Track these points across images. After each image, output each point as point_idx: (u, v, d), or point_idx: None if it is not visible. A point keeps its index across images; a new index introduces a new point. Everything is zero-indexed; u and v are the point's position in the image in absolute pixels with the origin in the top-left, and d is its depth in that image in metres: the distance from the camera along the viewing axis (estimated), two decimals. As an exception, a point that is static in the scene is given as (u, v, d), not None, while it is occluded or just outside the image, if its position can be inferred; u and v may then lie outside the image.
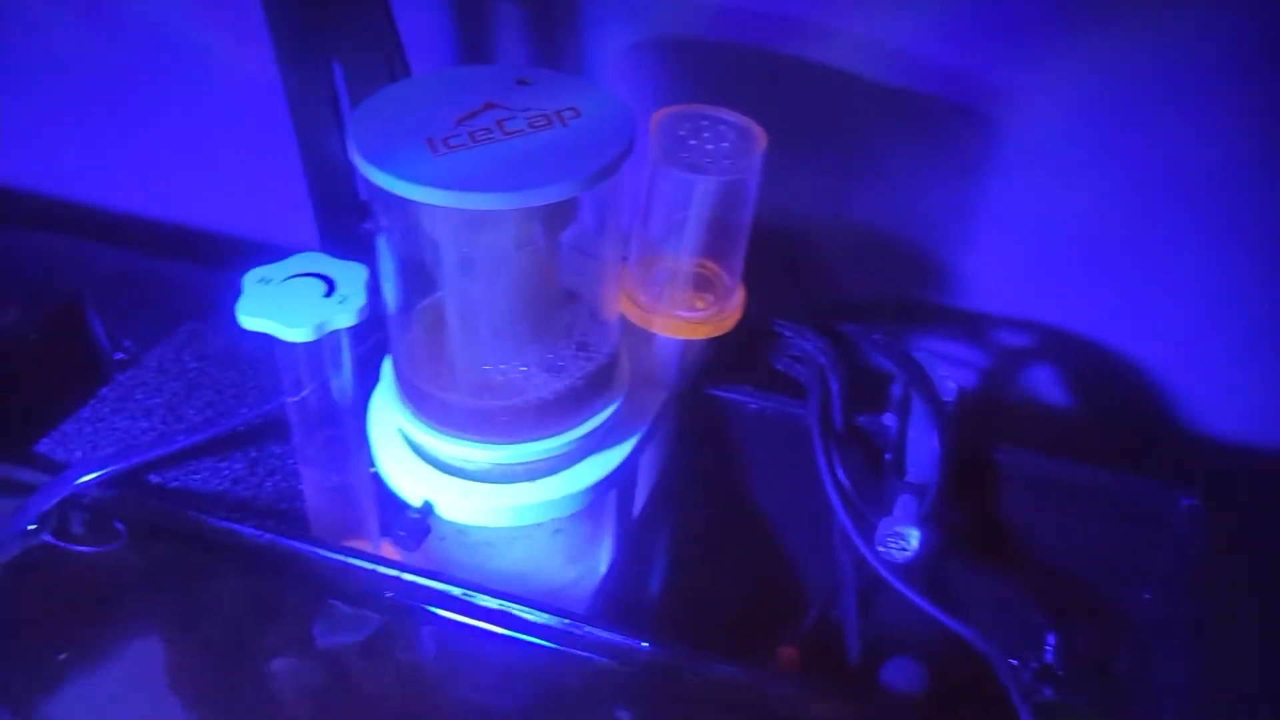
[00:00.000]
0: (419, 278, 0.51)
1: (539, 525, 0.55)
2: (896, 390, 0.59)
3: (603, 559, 0.61)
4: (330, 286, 0.54)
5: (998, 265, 0.67)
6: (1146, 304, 0.64)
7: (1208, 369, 0.65)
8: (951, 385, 0.60)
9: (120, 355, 0.77)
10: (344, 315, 0.53)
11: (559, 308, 0.53)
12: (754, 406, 0.60)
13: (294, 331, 0.52)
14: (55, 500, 0.56)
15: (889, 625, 0.58)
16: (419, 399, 0.52)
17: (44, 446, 0.62)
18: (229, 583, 0.58)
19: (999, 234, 0.66)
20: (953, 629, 0.50)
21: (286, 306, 0.52)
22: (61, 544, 0.58)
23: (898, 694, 0.51)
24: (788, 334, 0.60)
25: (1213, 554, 0.53)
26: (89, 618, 0.62)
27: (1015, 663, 0.63)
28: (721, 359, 0.61)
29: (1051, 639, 0.61)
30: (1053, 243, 0.65)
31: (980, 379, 0.72)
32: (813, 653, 0.62)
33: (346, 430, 0.58)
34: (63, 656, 0.65)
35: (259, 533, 0.54)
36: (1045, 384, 0.70)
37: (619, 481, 0.55)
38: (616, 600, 0.56)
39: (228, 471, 0.62)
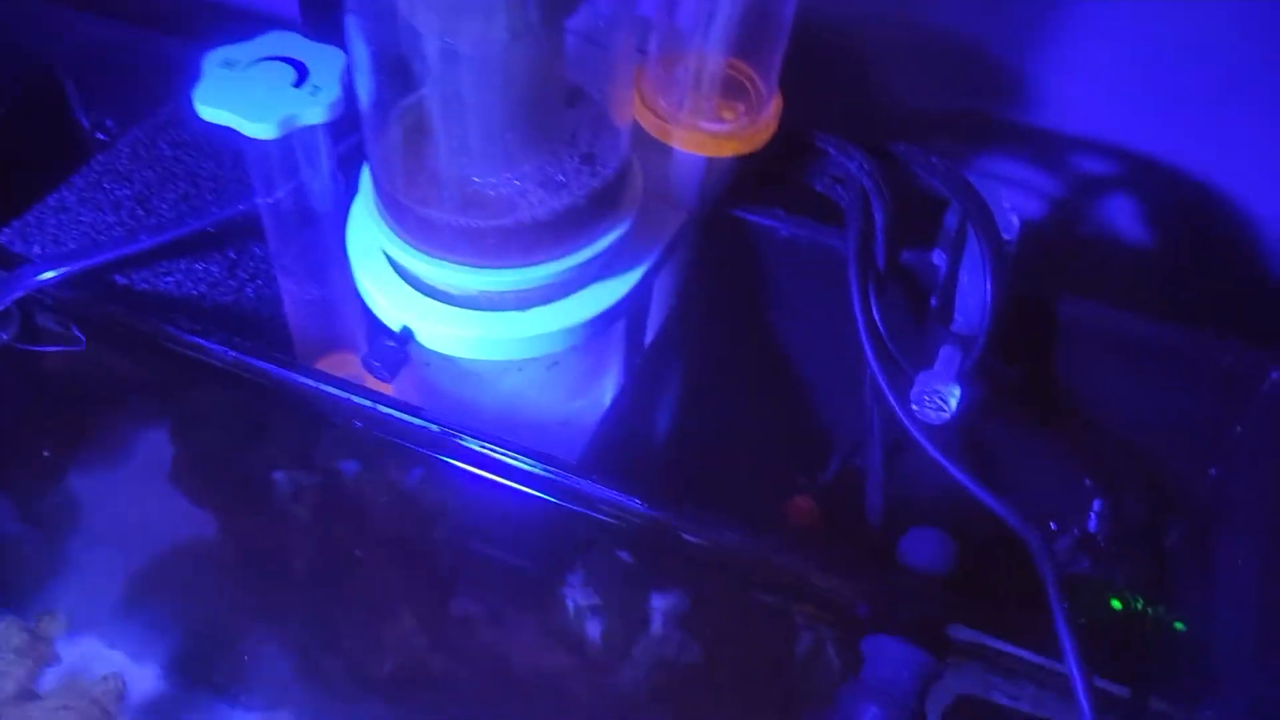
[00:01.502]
0: (396, 73, 0.43)
1: (532, 359, 0.49)
2: (950, 222, 0.52)
3: (607, 391, 0.55)
4: (302, 74, 0.47)
5: (1081, 79, 0.58)
6: (1250, 137, 0.55)
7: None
8: (1014, 220, 0.52)
9: (102, 136, 0.70)
10: (314, 110, 0.46)
11: (561, 111, 0.45)
12: (785, 233, 0.53)
13: (257, 126, 0.45)
14: (10, 300, 0.51)
15: (918, 487, 0.52)
16: (399, 214, 0.46)
17: (4, 237, 0.57)
18: (199, 393, 0.54)
19: (1086, 43, 0.56)
20: (988, 504, 0.44)
21: (250, 96, 0.46)
22: (20, 345, 0.53)
23: (916, 571, 0.46)
24: (830, 150, 0.52)
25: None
26: (62, 418, 0.59)
27: (1055, 526, 0.58)
28: (751, 174, 0.54)
29: (1098, 505, 0.55)
30: (1148, 57, 0.56)
31: (1050, 208, 0.63)
32: (831, 505, 0.57)
33: (326, 238, 0.52)
34: (46, 453, 0.63)
35: (224, 349, 0.49)
36: (1124, 219, 0.62)
37: (624, 313, 0.48)
38: (619, 438, 0.51)
39: (204, 274, 0.56)
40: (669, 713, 0.54)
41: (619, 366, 0.54)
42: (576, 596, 0.51)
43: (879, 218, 0.50)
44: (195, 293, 0.55)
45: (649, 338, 0.55)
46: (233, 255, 0.57)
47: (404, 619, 0.60)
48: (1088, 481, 0.55)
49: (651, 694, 0.53)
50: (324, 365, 0.57)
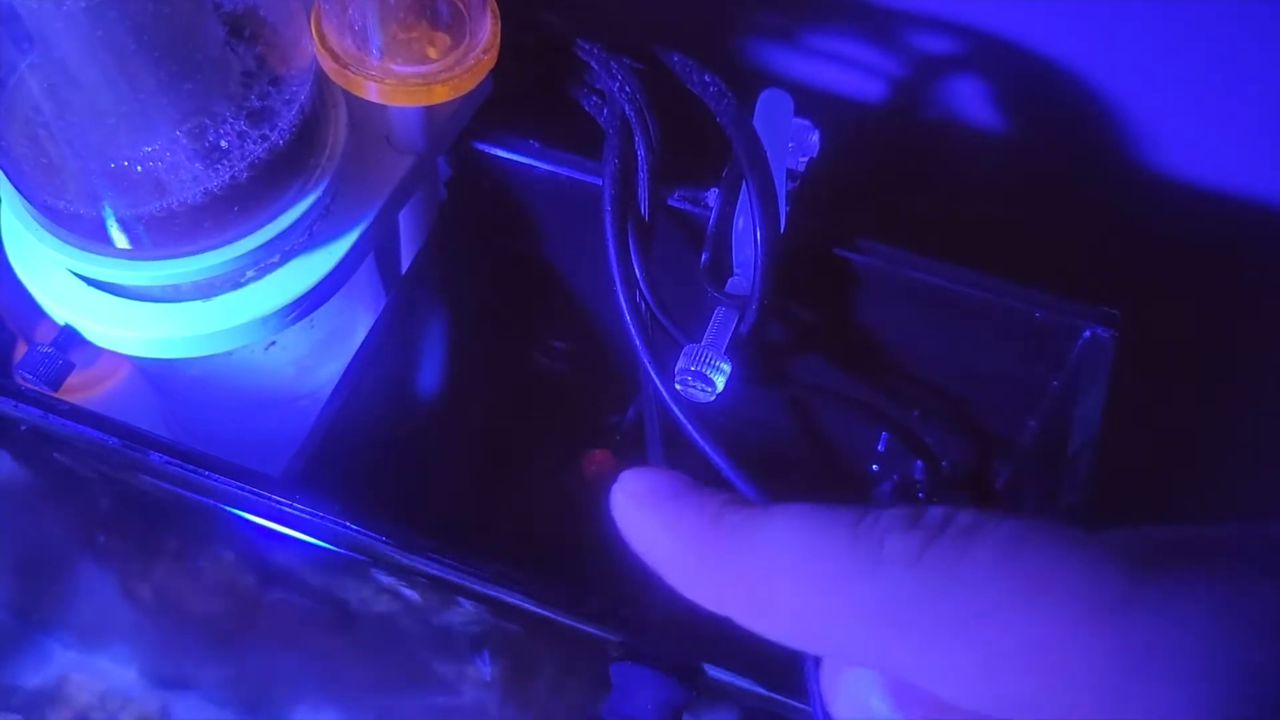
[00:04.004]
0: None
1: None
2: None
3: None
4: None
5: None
6: (1109, 13, 0.47)
7: (1178, 104, 0.49)
8: (813, 138, 0.44)
9: None
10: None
11: (218, 55, 0.36)
12: (542, 170, 0.45)
13: None
14: None
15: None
16: (31, 197, 0.37)
17: None
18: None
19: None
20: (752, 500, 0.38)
21: None
22: None
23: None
24: (593, 64, 0.44)
25: (1117, 384, 0.41)
26: None
27: (876, 468, 0.52)
28: (505, 93, 0.45)
29: (919, 463, 0.50)
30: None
31: (888, 91, 0.55)
32: (632, 456, 0.51)
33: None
34: None
35: None
36: (969, 106, 0.53)
37: (336, 288, 0.41)
38: (354, 418, 0.44)
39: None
40: (499, 658, 0.50)
41: (367, 324, 0.47)
42: (381, 580, 0.47)
43: (641, 152, 0.42)
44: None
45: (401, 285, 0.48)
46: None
47: (225, 555, 0.55)
48: (911, 428, 0.50)
49: (475, 640, 0.49)
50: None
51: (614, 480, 0.54)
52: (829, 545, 0.20)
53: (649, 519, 0.23)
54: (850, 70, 0.54)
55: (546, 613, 0.37)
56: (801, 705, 0.36)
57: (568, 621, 0.37)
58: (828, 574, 0.19)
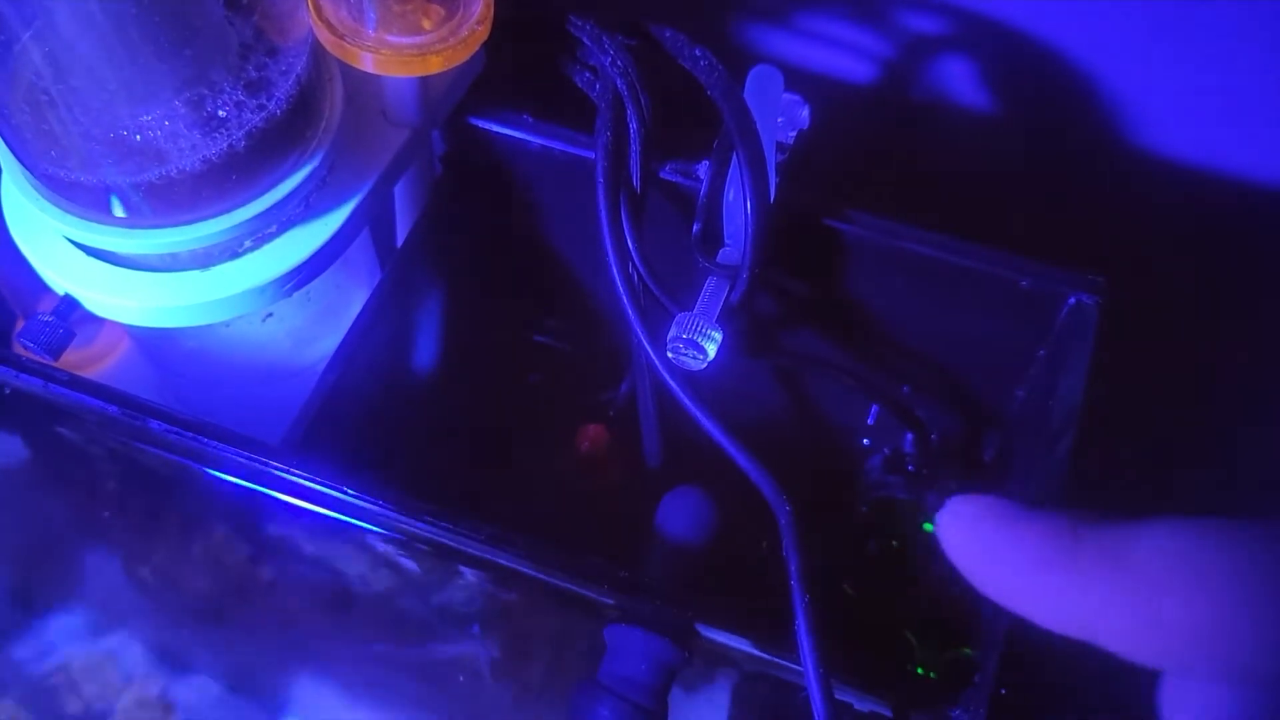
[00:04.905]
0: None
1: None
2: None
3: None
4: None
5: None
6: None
7: (1163, 78, 0.49)
8: (803, 113, 0.45)
9: None
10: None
11: (217, 23, 0.37)
12: (535, 145, 0.46)
13: None
14: None
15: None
16: (31, 165, 0.38)
17: None
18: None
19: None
20: (744, 468, 0.39)
21: None
22: None
23: (671, 543, 0.42)
24: (585, 40, 0.44)
25: (1102, 351, 0.41)
26: None
27: (868, 443, 0.53)
28: (498, 69, 0.46)
29: (909, 436, 0.50)
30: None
31: (877, 67, 0.56)
32: (626, 429, 0.52)
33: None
34: None
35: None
36: (958, 81, 0.54)
37: (332, 258, 0.42)
38: (352, 388, 0.44)
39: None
40: (497, 632, 0.51)
41: (365, 295, 0.48)
42: (377, 546, 0.47)
43: (634, 126, 0.43)
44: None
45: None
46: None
47: (218, 531, 0.56)
48: (901, 400, 0.50)
49: (477, 618, 0.50)
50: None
51: (611, 453, 0.54)
52: (1233, 556, 0.19)
53: (995, 540, 0.21)
54: (839, 47, 0.55)
55: (543, 576, 0.38)
56: (794, 666, 0.36)
57: (564, 584, 0.38)
58: (1232, 585, 0.19)
